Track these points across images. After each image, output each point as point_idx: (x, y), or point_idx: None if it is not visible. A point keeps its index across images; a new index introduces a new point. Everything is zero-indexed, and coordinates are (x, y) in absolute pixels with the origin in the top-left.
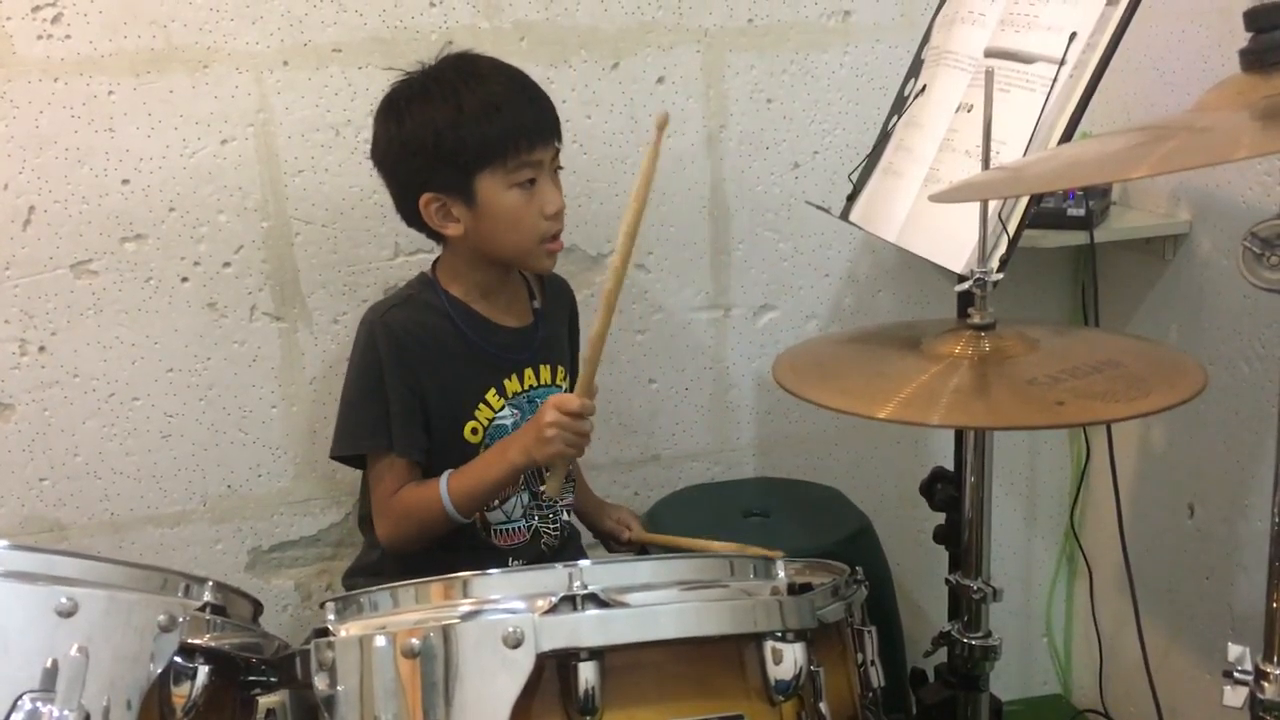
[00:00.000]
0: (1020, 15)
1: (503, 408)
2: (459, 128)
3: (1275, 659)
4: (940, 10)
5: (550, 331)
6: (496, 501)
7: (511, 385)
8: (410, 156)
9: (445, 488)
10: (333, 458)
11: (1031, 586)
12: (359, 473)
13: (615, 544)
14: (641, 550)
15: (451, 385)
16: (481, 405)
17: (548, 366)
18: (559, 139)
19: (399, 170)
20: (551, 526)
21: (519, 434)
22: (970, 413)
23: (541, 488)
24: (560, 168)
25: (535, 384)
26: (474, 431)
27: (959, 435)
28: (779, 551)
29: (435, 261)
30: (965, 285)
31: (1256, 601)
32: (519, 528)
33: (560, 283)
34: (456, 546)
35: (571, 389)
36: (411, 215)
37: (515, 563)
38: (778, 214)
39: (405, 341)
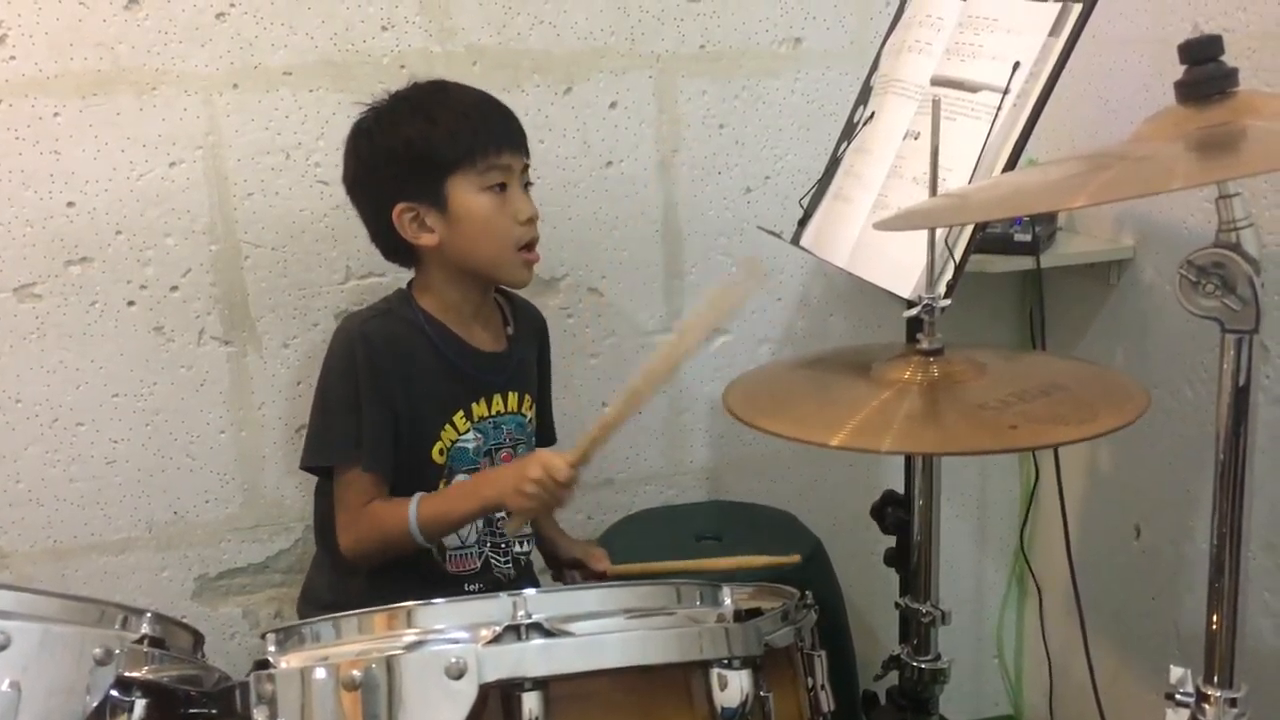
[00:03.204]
0: (966, 45)
1: (467, 430)
2: (430, 134)
3: (1215, 681)
4: (888, 39)
5: (522, 357)
6: None
7: (479, 409)
8: (381, 168)
9: (414, 511)
10: (302, 468)
11: (983, 607)
12: (308, 499)
13: (582, 574)
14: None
15: (422, 403)
16: (448, 426)
17: (516, 394)
18: (527, 154)
19: (371, 185)
20: (503, 559)
21: (497, 474)
22: (922, 439)
23: (500, 516)
24: (530, 183)
25: (502, 410)
26: (440, 452)
27: (909, 459)
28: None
29: (410, 281)
30: (914, 311)
31: (1201, 622)
32: (472, 554)
33: (532, 310)
34: (411, 573)
35: (539, 419)
36: (386, 233)
37: (471, 587)
38: (730, 238)
39: (383, 353)
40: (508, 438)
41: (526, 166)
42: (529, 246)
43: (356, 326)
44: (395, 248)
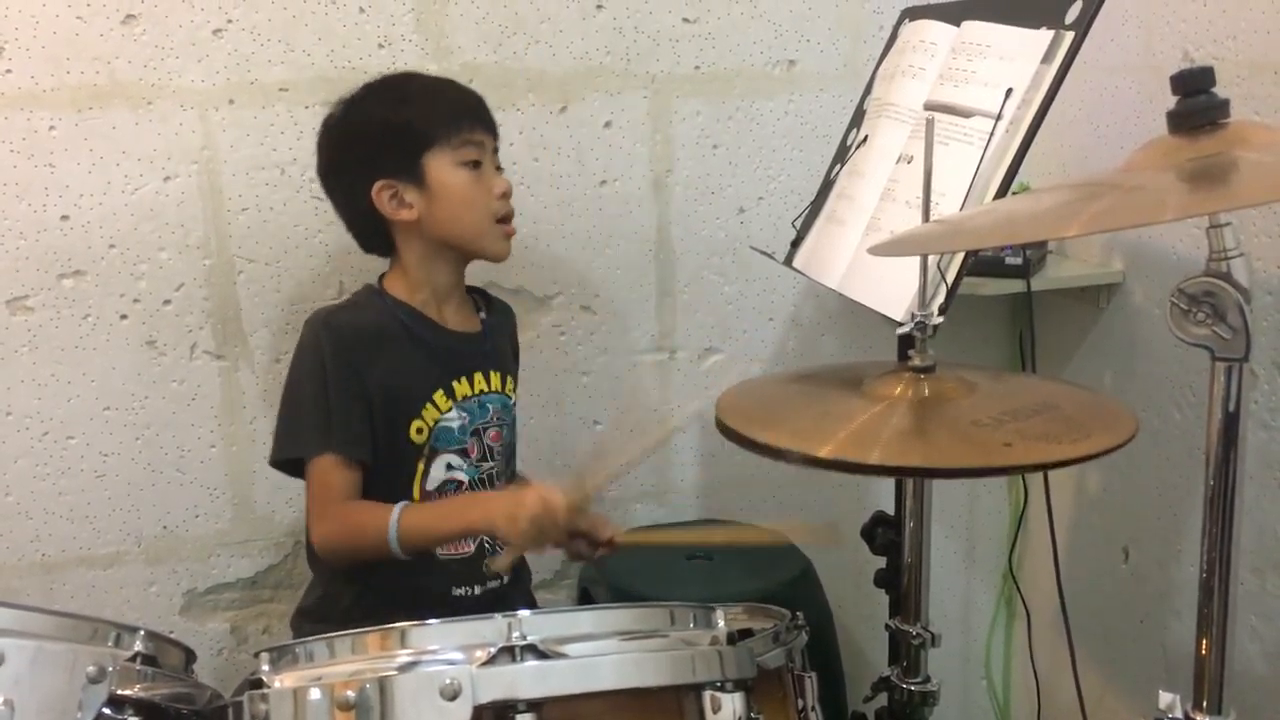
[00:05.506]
0: (959, 70)
1: (450, 409)
2: (404, 111)
3: (1204, 707)
4: (882, 62)
5: (497, 344)
6: None
7: (461, 388)
8: (357, 147)
9: (395, 522)
10: (272, 464)
11: (971, 629)
12: (298, 514)
13: (588, 549)
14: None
15: (398, 381)
16: (429, 405)
17: (498, 374)
18: (497, 136)
19: (347, 167)
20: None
21: (489, 499)
22: (913, 453)
23: (487, 563)
24: (501, 167)
25: (485, 389)
26: (419, 431)
27: (899, 480)
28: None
29: (381, 276)
30: (906, 328)
31: (1189, 645)
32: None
33: (504, 306)
34: (404, 570)
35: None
36: (363, 217)
37: (459, 591)
38: (723, 258)
39: (350, 339)
40: (494, 417)
41: (497, 149)
42: (506, 219)
43: (322, 319)
44: (373, 230)
